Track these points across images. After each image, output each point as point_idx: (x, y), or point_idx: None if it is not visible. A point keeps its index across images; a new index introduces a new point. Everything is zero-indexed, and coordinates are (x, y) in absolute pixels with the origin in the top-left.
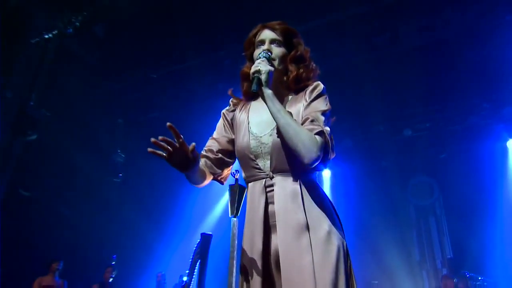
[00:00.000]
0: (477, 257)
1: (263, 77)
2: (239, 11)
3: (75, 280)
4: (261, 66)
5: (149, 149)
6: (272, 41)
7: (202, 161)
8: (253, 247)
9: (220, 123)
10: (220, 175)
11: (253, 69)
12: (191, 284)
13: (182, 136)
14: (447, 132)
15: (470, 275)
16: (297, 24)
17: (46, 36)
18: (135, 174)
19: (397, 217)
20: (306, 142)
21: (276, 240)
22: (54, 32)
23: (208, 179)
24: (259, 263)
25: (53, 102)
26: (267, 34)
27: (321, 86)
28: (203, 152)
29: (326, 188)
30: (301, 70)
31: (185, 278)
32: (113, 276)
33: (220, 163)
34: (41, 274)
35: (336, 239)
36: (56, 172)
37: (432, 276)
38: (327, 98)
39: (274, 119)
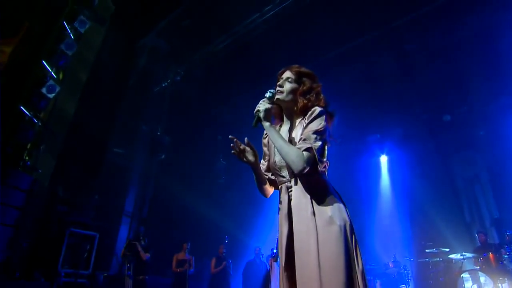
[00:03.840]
0: None
1: (261, 114)
2: (297, 49)
3: (199, 255)
4: (260, 106)
5: (232, 152)
6: (287, 79)
7: None
8: (282, 231)
9: (263, 149)
10: (276, 187)
11: (256, 108)
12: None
13: (242, 145)
14: (483, 112)
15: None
16: (346, 43)
17: (163, 85)
18: (234, 177)
19: (446, 188)
20: (294, 159)
21: None
22: (168, 81)
23: (271, 191)
24: (284, 243)
25: (173, 130)
26: (285, 74)
27: (318, 110)
28: None
29: (384, 171)
30: (306, 101)
31: (275, 251)
32: (225, 251)
33: (270, 181)
34: (177, 252)
35: (338, 221)
36: (180, 179)
37: None
38: (323, 118)
39: (273, 144)
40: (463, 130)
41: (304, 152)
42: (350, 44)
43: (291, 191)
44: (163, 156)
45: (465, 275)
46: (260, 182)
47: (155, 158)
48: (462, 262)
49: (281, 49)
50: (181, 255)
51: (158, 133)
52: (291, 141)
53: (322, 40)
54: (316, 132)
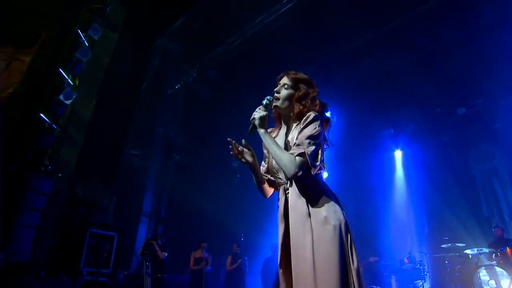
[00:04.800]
0: None
1: (256, 122)
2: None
3: (216, 253)
4: (256, 114)
5: (230, 153)
6: (284, 85)
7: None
8: (279, 231)
9: (263, 151)
10: (275, 187)
11: (251, 116)
12: None
13: (240, 147)
14: (498, 105)
15: None
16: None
17: (176, 87)
18: (249, 175)
19: (463, 182)
20: (286, 164)
21: None
22: (181, 83)
23: (270, 191)
24: (281, 241)
25: (187, 131)
26: (282, 80)
27: (312, 115)
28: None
29: (399, 165)
30: (301, 107)
31: None
32: (239, 249)
33: (269, 182)
34: (194, 250)
35: (333, 221)
36: (196, 179)
37: None
38: (317, 123)
39: (268, 149)
40: (479, 123)
41: (296, 157)
42: (362, 40)
43: (288, 192)
44: (178, 157)
45: (482, 270)
46: (259, 182)
47: (170, 159)
48: (479, 257)
49: (292, 48)
50: (198, 253)
51: (172, 135)
52: (287, 145)
53: (332, 37)
54: (309, 137)
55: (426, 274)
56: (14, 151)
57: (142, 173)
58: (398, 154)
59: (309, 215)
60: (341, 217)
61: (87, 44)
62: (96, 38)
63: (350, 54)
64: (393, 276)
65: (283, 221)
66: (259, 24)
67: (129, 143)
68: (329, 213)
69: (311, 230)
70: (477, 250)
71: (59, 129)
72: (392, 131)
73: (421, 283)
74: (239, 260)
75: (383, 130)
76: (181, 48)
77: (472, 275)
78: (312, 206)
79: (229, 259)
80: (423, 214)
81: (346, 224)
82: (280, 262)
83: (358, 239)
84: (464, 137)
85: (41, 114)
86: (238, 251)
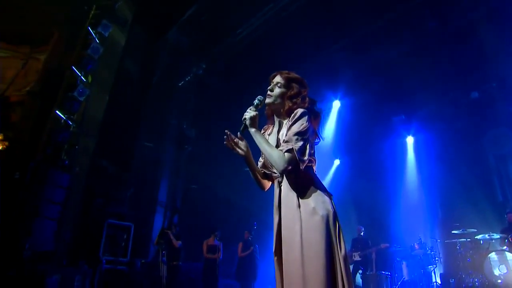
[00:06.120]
0: None
1: (247, 122)
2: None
3: (230, 241)
4: (247, 114)
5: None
6: (277, 83)
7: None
8: (274, 221)
9: None
10: (271, 180)
11: (243, 116)
12: None
13: (236, 138)
14: None
15: None
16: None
17: (187, 79)
18: None
19: (477, 167)
20: (276, 160)
21: None
22: (191, 75)
23: (267, 185)
24: (275, 231)
25: (198, 123)
26: (276, 78)
27: (299, 112)
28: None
29: (410, 152)
30: (291, 104)
31: None
32: (251, 236)
33: (265, 175)
34: (206, 238)
35: (321, 211)
36: (209, 169)
37: None
38: (305, 118)
39: (259, 147)
40: (493, 106)
41: (285, 154)
42: (372, 25)
43: (282, 185)
44: (190, 149)
45: (492, 256)
46: (254, 174)
47: (181, 150)
48: (490, 242)
49: (301, 36)
50: (210, 241)
51: (184, 126)
52: (279, 141)
53: (342, 24)
54: (297, 133)
55: (437, 260)
56: (33, 148)
57: (156, 165)
58: (410, 140)
59: (299, 206)
60: (329, 207)
61: (98, 41)
62: (106, 34)
63: (361, 40)
64: (404, 262)
65: (277, 212)
66: (268, 13)
67: (142, 135)
68: (317, 204)
69: (300, 220)
70: (488, 235)
71: (74, 125)
72: (403, 117)
73: (432, 268)
74: (251, 247)
75: (394, 116)
76: (190, 40)
77: (483, 261)
78: (302, 198)
79: (240, 246)
80: (434, 200)
81: (334, 213)
82: (274, 250)
83: (369, 225)
84: (477, 121)
85: (57, 111)
86: (250, 238)
